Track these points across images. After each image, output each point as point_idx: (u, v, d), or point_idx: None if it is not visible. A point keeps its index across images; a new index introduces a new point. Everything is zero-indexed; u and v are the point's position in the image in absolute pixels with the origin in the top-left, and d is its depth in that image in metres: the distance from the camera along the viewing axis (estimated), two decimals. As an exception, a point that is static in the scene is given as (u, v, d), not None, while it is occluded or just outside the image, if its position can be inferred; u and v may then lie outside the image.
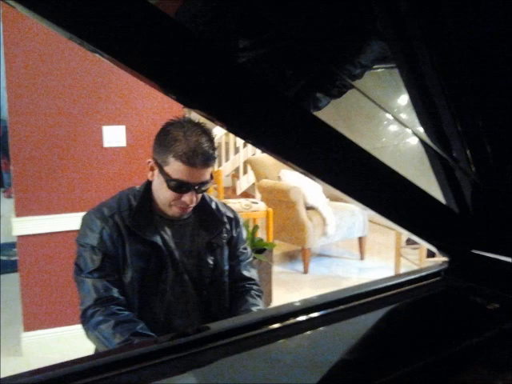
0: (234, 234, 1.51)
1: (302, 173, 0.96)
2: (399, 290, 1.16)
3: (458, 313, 1.11)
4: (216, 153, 1.35)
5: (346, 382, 0.84)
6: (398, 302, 1.14)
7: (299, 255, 4.30)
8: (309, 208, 4.07)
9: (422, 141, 1.08)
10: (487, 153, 1.02)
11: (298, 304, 1.04)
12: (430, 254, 3.65)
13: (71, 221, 2.55)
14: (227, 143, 5.75)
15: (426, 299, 1.17)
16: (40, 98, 2.56)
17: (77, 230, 1.43)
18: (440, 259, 4.04)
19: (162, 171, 1.32)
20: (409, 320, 1.11)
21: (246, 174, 5.83)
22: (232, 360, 0.89)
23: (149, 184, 1.41)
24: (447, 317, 1.09)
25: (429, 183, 1.15)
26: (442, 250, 1.28)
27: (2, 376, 0.78)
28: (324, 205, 4.14)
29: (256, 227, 3.43)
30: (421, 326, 1.06)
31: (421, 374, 0.85)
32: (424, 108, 1.00)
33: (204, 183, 1.34)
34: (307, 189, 4.07)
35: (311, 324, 1.00)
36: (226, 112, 0.81)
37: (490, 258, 1.17)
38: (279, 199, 4.09)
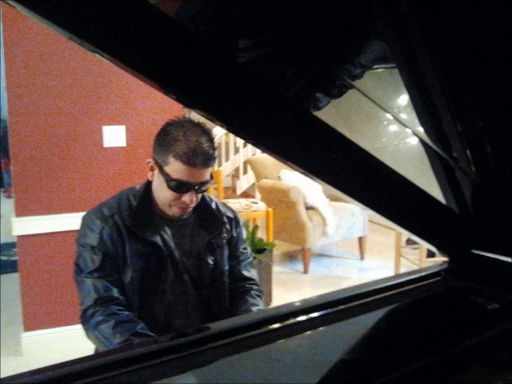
0: (234, 234, 1.51)
1: (301, 173, 0.96)
2: (399, 290, 1.15)
3: (458, 313, 1.11)
4: (216, 153, 1.35)
5: (346, 382, 0.84)
6: (398, 302, 1.14)
7: (299, 255, 4.30)
8: (309, 208, 4.07)
9: (421, 141, 1.08)
10: (487, 153, 1.02)
11: (297, 304, 1.04)
12: (430, 254, 3.65)
13: (71, 221, 2.55)
14: (227, 143, 5.76)
15: (426, 299, 1.17)
16: (40, 98, 2.56)
17: (77, 230, 1.43)
18: (440, 259, 4.07)
19: (162, 171, 1.32)
20: (409, 320, 1.11)
21: (245, 174, 5.83)
22: (232, 360, 0.89)
23: (149, 184, 1.41)
24: (447, 317, 1.09)
25: (429, 183, 1.15)
26: (442, 250, 1.28)
27: (2, 376, 0.78)
28: (324, 205, 4.14)
29: (256, 227, 3.43)
30: (421, 326, 1.06)
31: (421, 374, 0.84)
32: (424, 108, 1.00)
33: (204, 183, 1.34)
34: (307, 189, 4.07)
35: (311, 324, 1.00)
36: (226, 112, 0.81)
37: (490, 258, 1.17)
38: (279, 199, 4.09)
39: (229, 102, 0.80)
